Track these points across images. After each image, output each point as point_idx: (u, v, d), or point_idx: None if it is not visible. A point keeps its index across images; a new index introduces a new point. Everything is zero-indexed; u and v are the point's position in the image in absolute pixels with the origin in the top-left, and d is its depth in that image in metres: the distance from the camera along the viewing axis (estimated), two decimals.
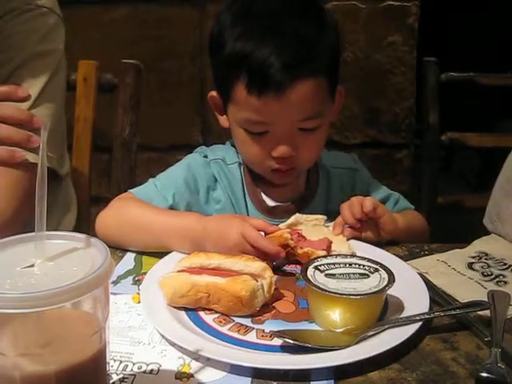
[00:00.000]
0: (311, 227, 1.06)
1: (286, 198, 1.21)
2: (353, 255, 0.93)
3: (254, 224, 0.99)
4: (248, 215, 1.19)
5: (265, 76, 1.02)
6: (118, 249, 1.08)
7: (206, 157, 1.22)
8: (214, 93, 1.19)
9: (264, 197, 1.21)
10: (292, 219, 1.06)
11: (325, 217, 1.09)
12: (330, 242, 1.01)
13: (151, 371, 0.75)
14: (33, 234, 0.60)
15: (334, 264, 0.88)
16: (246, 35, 1.05)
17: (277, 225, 1.08)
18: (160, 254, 1.03)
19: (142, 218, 1.09)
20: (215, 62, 1.14)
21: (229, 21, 1.09)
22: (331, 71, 1.11)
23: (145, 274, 0.96)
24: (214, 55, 1.14)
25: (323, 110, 1.10)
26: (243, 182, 1.21)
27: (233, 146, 1.24)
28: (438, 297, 0.91)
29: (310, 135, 1.10)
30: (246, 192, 1.21)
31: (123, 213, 1.11)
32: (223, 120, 1.20)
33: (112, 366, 0.75)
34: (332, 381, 0.73)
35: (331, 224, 1.09)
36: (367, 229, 1.08)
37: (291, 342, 0.77)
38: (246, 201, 1.21)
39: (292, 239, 1.00)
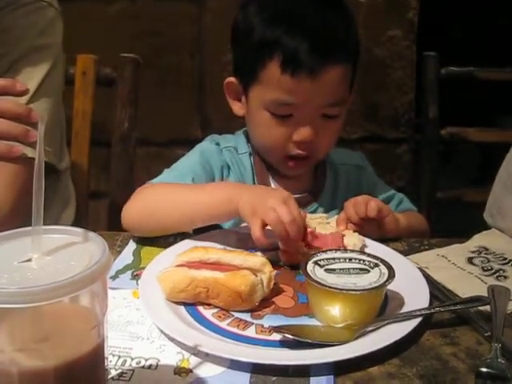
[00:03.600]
0: (316, 225, 1.06)
1: (295, 192, 1.21)
2: (353, 250, 0.93)
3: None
4: None
5: (299, 57, 1.06)
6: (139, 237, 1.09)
7: (217, 144, 1.24)
8: (231, 79, 1.20)
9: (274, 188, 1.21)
10: None
11: (327, 215, 1.11)
12: (343, 236, 1.02)
13: (150, 366, 0.75)
14: (30, 228, 0.59)
15: (333, 259, 0.87)
16: (276, 22, 1.09)
17: None
18: (159, 248, 1.03)
19: (173, 195, 1.08)
20: (241, 47, 1.17)
21: (254, 9, 1.13)
22: (355, 60, 1.15)
23: (143, 268, 0.96)
24: (239, 41, 1.17)
25: (346, 98, 1.14)
26: (253, 172, 1.23)
27: (245, 136, 1.25)
28: (438, 292, 0.90)
29: (331, 123, 1.13)
30: (256, 182, 1.21)
31: (151, 198, 1.10)
32: (238, 107, 1.21)
33: (110, 361, 0.75)
34: (332, 376, 0.72)
35: (332, 219, 1.09)
36: (369, 226, 1.09)
37: (291, 337, 0.76)
38: None
39: (308, 244, 0.99)
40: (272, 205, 0.95)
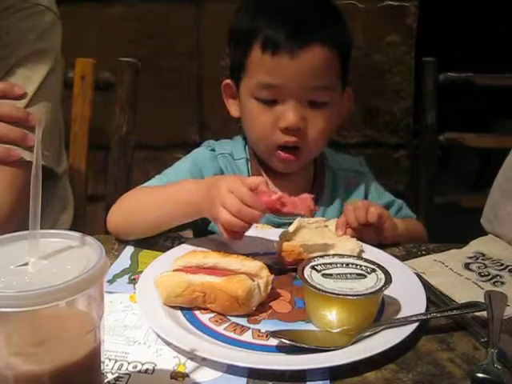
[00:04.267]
0: (314, 229, 1.06)
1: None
2: (350, 255, 0.92)
3: (246, 182, 0.97)
4: None
5: (278, 38, 1.09)
6: (122, 241, 1.10)
7: (213, 150, 1.25)
8: (227, 80, 1.24)
9: None
10: (295, 224, 1.05)
11: (324, 218, 1.10)
12: (312, 198, 0.99)
13: (146, 371, 0.75)
14: (27, 232, 0.59)
15: (330, 264, 0.87)
16: (259, 14, 1.14)
17: (282, 222, 1.16)
18: (156, 253, 1.03)
19: (147, 198, 1.10)
20: (232, 46, 1.21)
21: (244, 10, 1.19)
22: (342, 48, 1.15)
23: (141, 272, 0.96)
24: (232, 41, 1.21)
25: (332, 85, 1.15)
26: None
27: (243, 140, 1.26)
28: (434, 297, 0.90)
29: (318, 111, 1.14)
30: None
31: (129, 201, 1.12)
32: (234, 108, 1.24)
33: (107, 365, 0.75)
34: (328, 381, 0.73)
35: (330, 222, 1.08)
36: (367, 232, 1.09)
37: (287, 342, 0.77)
38: None
39: (277, 211, 0.97)
40: (219, 203, 0.95)
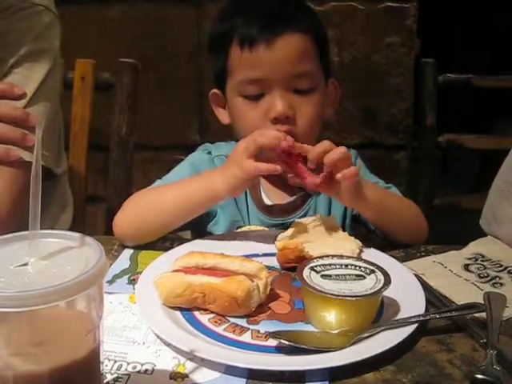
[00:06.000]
0: (312, 229, 1.05)
1: (285, 197, 1.22)
2: (349, 256, 0.92)
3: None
4: (248, 213, 1.21)
5: (253, 33, 1.13)
6: (117, 246, 1.09)
7: (209, 153, 1.26)
8: (214, 90, 1.25)
9: (263, 196, 1.22)
10: (293, 225, 1.05)
11: (318, 215, 1.09)
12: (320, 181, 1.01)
13: (146, 371, 0.75)
14: (27, 232, 0.59)
15: (330, 265, 0.87)
16: (232, 15, 1.18)
17: (275, 224, 1.17)
18: (156, 253, 1.03)
19: (157, 195, 1.11)
20: (212, 53, 1.23)
21: (219, 17, 1.23)
22: (316, 37, 1.18)
23: (140, 273, 0.96)
24: (212, 48, 1.24)
25: (313, 72, 1.17)
26: None
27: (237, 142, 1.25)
28: (434, 298, 0.91)
29: (305, 98, 1.16)
30: (247, 190, 1.21)
31: (140, 204, 1.12)
32: (223, 115, 1.25)
33: (106, 366, 0.75)
34: (327, 382, 0.73)
35: (327, 221, 1.07)
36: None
37: (286, 342, 0.77)
38: (246, 198, 1.23)
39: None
40: (241, 145, 1.03)
